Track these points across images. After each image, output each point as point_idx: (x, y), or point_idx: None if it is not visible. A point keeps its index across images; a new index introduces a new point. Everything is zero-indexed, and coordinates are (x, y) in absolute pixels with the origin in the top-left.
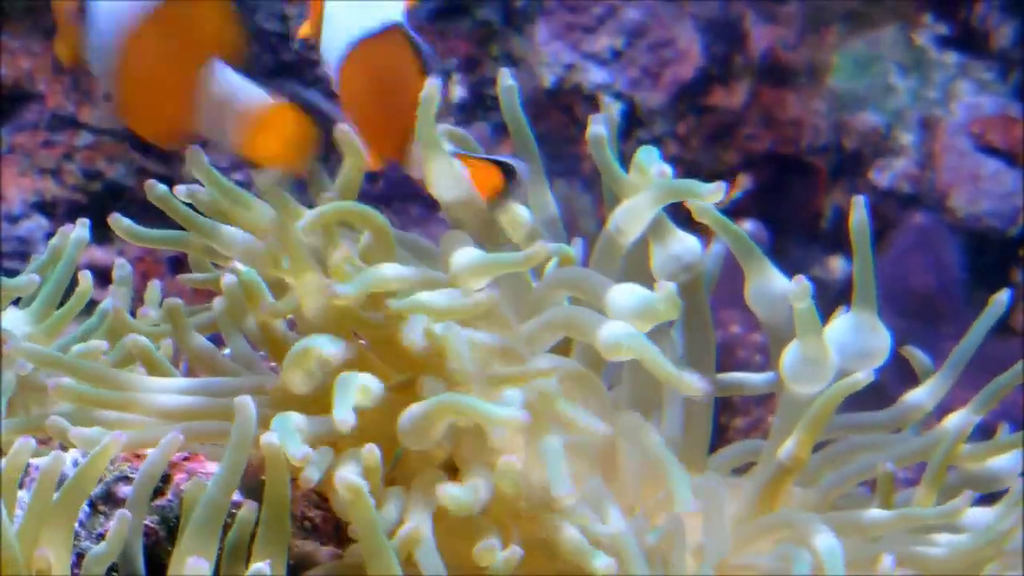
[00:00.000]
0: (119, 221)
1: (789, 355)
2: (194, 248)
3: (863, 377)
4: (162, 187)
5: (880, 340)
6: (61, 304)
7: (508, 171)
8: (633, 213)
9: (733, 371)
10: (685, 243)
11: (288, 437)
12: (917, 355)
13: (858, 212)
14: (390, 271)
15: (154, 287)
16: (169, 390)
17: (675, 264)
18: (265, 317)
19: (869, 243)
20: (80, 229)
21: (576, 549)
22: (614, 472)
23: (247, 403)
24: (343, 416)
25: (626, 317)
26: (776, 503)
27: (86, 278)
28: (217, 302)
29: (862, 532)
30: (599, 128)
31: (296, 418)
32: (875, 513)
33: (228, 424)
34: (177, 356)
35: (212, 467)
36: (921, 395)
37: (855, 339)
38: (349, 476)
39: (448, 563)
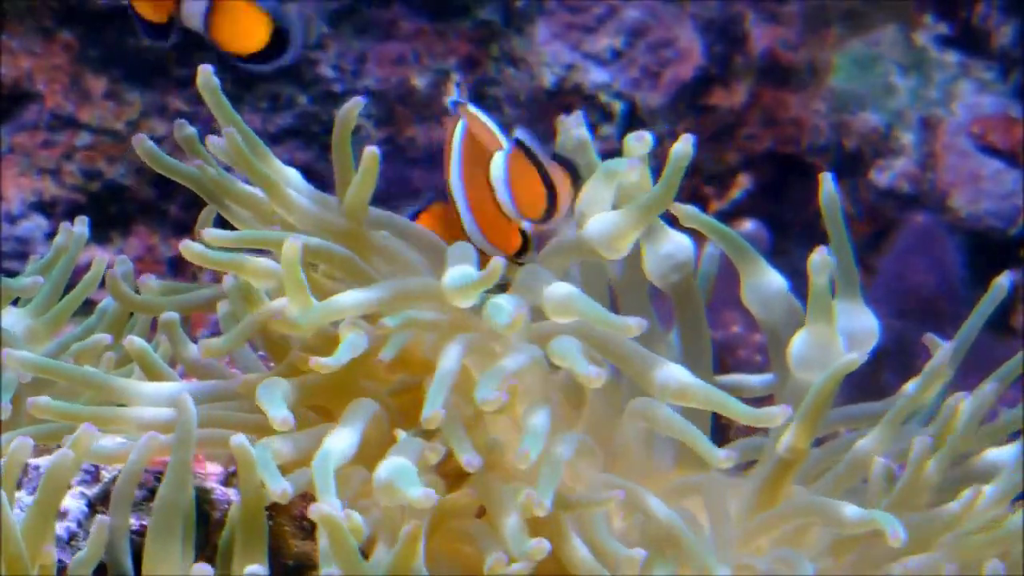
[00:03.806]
0: (143, 142)
1: (797, 342)
2: (212, 190)
3: (856, 357)
4: (190, 128)
5: (868, 322)
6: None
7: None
8: (592, 200)
9: (734, 371)
10: (676, 242)
11: (268, 472)
12: (936, 341)
13: (826, 186)
14: (347, 300)
15: (152, 282)
16: (159, 400)
17: (667, 263)
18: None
19: (842, 219)
20: (79, 227)
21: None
22: (617, 467)
23: (186, 400)
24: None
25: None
26: (777, 501)
27: (100, 263)
28: (221, 306)
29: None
30: (582, 131)
31: (276, 443)
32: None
33: (222, 431)
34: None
35: (211, 468)
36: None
37: (844, 324)
38: (324, 508)
39: (450, 567)
